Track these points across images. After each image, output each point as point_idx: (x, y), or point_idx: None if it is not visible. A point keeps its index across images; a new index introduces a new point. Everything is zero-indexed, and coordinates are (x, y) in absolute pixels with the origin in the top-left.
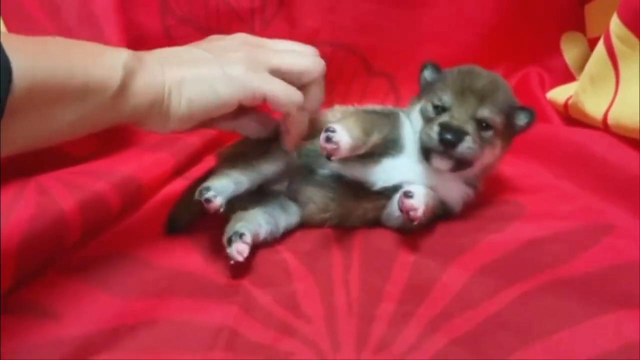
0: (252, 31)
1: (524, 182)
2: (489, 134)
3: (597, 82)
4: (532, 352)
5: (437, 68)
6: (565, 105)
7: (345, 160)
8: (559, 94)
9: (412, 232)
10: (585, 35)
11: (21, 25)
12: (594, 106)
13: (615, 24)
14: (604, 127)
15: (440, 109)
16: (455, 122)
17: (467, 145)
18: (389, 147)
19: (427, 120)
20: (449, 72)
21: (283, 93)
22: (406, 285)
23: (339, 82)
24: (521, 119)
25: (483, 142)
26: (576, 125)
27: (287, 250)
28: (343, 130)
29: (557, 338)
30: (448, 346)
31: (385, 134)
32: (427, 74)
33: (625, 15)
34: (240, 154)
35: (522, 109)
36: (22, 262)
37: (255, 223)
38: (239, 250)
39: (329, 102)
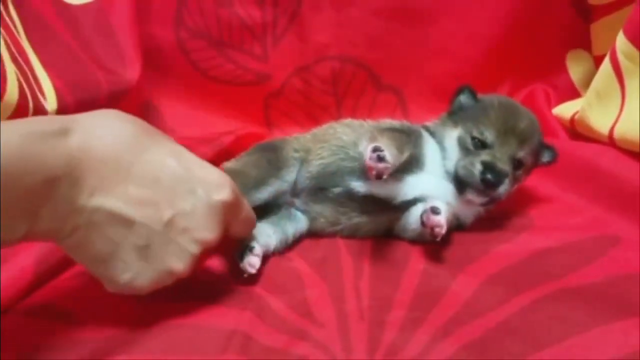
0: (264, 46)
1: (532, 195)
2: (520, 172)
3: (603, 98)
4: (541, 359)
5: (473, 93)
6: (572, 121)
7: (364, 173)
8: (565, 109)
9: (423, 242)
10: (590, 53)
11: (40, 35)
12: (600, 121)
13: (621, 41)
14: (610, 141)
15: (479, 143)
16: (498, 164)
17: (505, 187)
18: (411, 164)
19: (466, 151)
20: (489, 103)
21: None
22: (416, 293)
23: (347, 97)
24: (545, 157)
25: (515, 180)
26: (582, 140)
27: (299, 257)
28: (387, 149)
29: (566, 345)
30: (458, 352)
31: (410, 152)
32: (463, 99)
33: (630, 32)
34: (241, 173)
35: (548, 147)
36: (39, 267)
37: (265, 235)
38: (251, 263)
39: (337, 116)
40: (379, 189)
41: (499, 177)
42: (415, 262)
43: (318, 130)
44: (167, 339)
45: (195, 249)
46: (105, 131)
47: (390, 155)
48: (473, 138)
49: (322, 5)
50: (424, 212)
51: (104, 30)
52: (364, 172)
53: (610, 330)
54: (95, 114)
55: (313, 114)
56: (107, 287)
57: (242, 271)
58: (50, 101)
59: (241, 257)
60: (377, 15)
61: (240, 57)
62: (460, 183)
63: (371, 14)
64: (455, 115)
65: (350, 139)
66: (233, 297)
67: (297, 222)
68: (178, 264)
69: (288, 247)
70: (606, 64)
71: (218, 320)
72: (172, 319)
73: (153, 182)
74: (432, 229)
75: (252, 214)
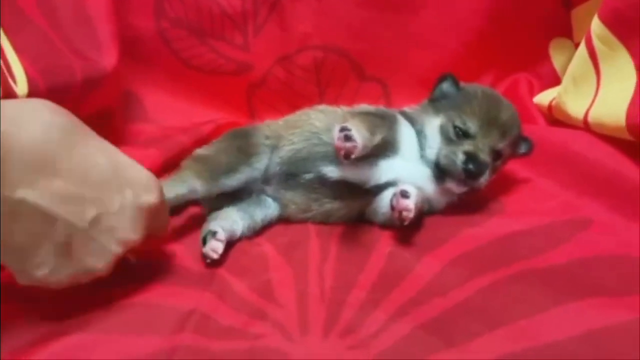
0: (245, 35)
1: (505, 180)
2: (499, 163)
3: (579, 83)
4: (496, 337)
5: (455, 81)
6: (550, 107)
7: (341, 162)
8: (544, 97)
9: (393, 226)
10: (572, 41)
11: (13, 20)
12: (576, 106)
13: (596, 25)
14: (584, 126)
15: (461, 133)
16: (481, 155)
17: (484, 178)
18: (385, 148)
19: (448, 140)
20: (472, 93)
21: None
22: (379, 275)
23: (330, 86)
24: (522, 148)
25: (493, 171)
26: (559, 126)
27: (267, 242)
28: (354, 129)
29: (522, 324)
30: (413, 330)
31: (384, 136)
32: (446, 87)
33: (605, 16)
34: (211, 159)
35: (525, 139)
36: None
37: (230, 220)
38: (213, 248)
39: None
40: (352, 174)
41: (480, 168)
42: (382, 245)
43: (291, 117)
44: (123, 318)
45: (117, 249)
46: (32, 121)
47: (359, 134)
48: (455, 127)
49: None
50: (394, 195)
51: (81, 18)
52: (336, 157)
53: (566, 310)
54: (25, 102)
55: (296, 104)
56: (18, 279)
57: (205, 256)
58: (21, 86)
59: (204, 242)
60: (359, 5)
61: (221, 47)
62: (441, 171)
63: (353, 3)
64: (436, 102)
65: (324, 125)
66: (195, 279)
67: (266, 209)
68: (98, 263)
69: (256, 233)
70: (582, 48)
71: (177, 300)
72: (130, 299)
73: (81, 179)
74: (400, 212)
75: (168, 220)
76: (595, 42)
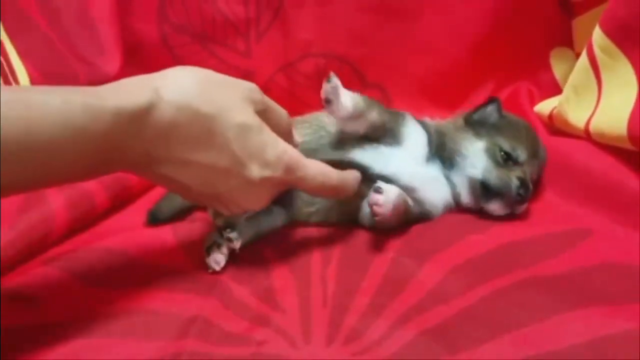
0: (247, 42)
1: None
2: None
3: (580, 92)
4: (500, 344)
5: (500, 107)
6: (550, 116)
7: (343, 144)
8: (545, 106)
9: (386, 233)
10: (573, 50)
11: (18, 25)
12: (577, 115)
13: (597, 34)
14: (586, 135)
15: (508, 158)
16: (529, 183)
17: (525, 205)
18: (386, 135)
19: (496, 163)
20: (517, 122)
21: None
22: (382, 281)
23: None
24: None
25: None
26: (560, 136)
27: (269, 248)
28: (346, 92)
29: (525, 331)
30: (416, 337)
31: (385, 121)
32: (490, 110)
33: (606, 26)
34: None
35: None
36: (7, 253)
37: (235, 233)
38: (216, 260)
39: None
40: (354, 155)
41: (529, 194)
42: (385, 252)
43: (299, 117)
44: (126, 323)
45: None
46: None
47: (346, 95)
48: (503, 152)
49: (304, 2)
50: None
51: (85, 23)
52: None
53: (571, 318)
54: (173, 77)
55: (298, 111)
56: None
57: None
58: None
59: (208, 252)
60: (361, 12)
61: (224, 53)
62: (489, 191)
63: (354, 10)
64: (477, 124)
65: (331, 120)
66: (198, 285)
67: (272, 217)
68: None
69: (259, 240)
70: (583, 58)
71: (180, 306)
72: (133, 304)
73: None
74: (371, 207)
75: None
76: (597, 52)
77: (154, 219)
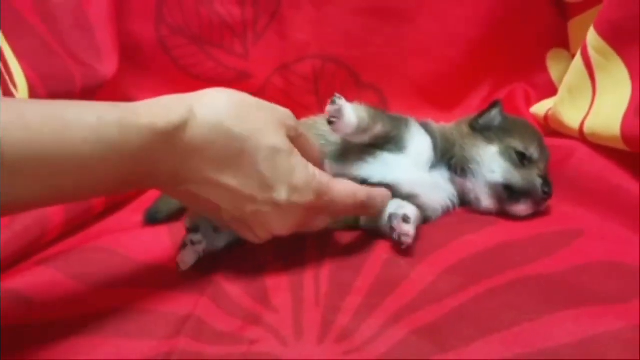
0: (244, 44)
1: None
2: None
3: (575, 93)
4: (490, 342)
5: (502, 109)
6: (546, 117)
7: (345, 158)
8: (541, 107)
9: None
10: (569, 51)
11: (14, 26)
12: (571, 116)
13: (591, 36)
14: (580, 136)
15: (523, 158)
16: (549, 179)
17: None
18: (390, 142)
19: (515, 165)
20: (519, 120)
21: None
22: (375, 281)
23: (329, 95)
24: None
25: None
26: (554, 137)
27: (263, 247)
28: (349, 106)
29: (516, 330)
30: (408, 336)
31: (389, 130)
32: (494, 113)
33: (601, 27)
34: None
35: None
36: (3, 253)
37: (213, 237)
38: (183, 260)
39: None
40: (354, 168)
41: (551, 190)
42: (378, 252)
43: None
44: (118, 322)
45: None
46: (216, 116)
47: (349, 110)
48: (517, 153)
49: (301, 4)
50: (395, 216)
51: (81, 24)
52: (342, 154)
53: (562, 317)
54: (208, 97)
55: (294, 113)
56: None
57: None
58: (22, 92)
59: (182, 248)
60: (357, 14)
61: (221, 55)
62: (515, 193)
63: (351, 12)
64: (483, 129)
65: (329, 128)
66: (191, 284)
67: None
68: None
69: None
70: (577, 59)
71: (174, 305)
72: (126, 303)
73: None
74: (399, 237)
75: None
76: (591, 53)
77: (152, 219)
